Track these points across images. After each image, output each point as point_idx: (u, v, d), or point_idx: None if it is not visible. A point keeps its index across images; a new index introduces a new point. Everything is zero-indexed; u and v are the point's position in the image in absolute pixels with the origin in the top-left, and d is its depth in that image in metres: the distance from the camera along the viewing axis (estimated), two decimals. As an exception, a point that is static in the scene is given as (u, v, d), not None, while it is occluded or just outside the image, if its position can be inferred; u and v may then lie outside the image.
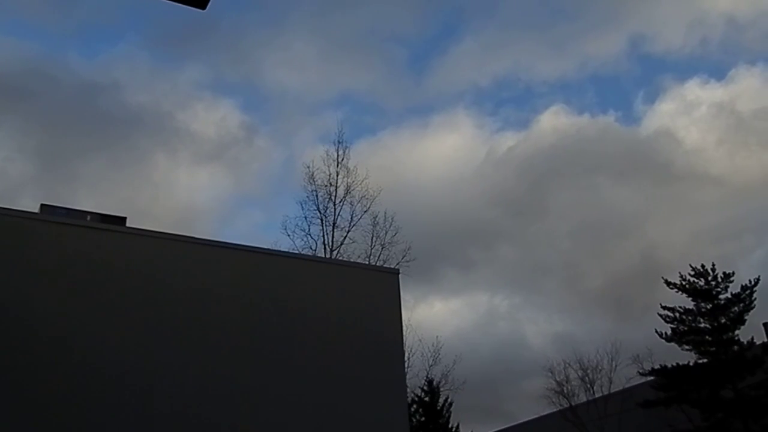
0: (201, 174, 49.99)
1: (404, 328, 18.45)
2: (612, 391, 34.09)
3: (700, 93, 58.03)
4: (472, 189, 50.24)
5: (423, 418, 32.30)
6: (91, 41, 52.07)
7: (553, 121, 56.13)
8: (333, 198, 30.24)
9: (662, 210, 52.92)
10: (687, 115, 57.17)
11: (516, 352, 47.21)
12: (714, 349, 27.71)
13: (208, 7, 4.85)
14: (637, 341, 35.20)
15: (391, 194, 29.60)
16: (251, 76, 50.92)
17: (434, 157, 50.51)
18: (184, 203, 43.98)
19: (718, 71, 66.99)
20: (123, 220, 17.74)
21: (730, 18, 56.04)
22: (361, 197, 30.26)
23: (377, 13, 49.91)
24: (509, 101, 65.01)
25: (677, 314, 28.85)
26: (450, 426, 32.66)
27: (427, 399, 32.75)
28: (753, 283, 28.12)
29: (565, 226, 50.29)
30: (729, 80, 60.14)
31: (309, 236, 29.39)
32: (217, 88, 54.74)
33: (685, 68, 62.43)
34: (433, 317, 44.42)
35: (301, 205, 30.20)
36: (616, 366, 34.25)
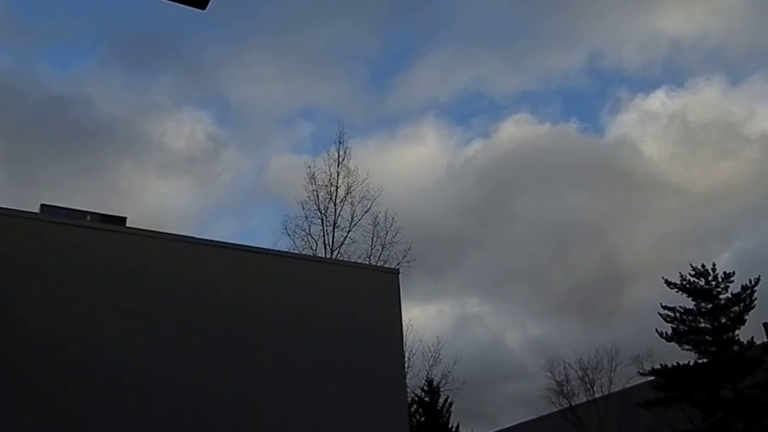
0: (171, 185, 50.60)
1: (404, 328, 18.48)
2: (612, 391, 34.17)
3: (655, 106, 60.21)
4: (440, 197, 51.18)
5: (423, 418, 32.35)
6: (59, 58, 52.73)
7: (515, 131, 57.82)
8: (333, 198, 30.31)
9: (626, 217, 54.18)
10: (642, 128, 59.25)
11: (491, 356, 47.93)
12: (714, 349, 27.77)
13: (207, 7, 4.85)
14: (609, 342, 36.13)
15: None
16: (217, 92, 51.97)
17: (401, 168, 51.42)
18: (155, 213, 44.43)
19: (671, 86, 70.42)
20: (123, 220, 17.69)
21: (675, 40, 58.37)
22: (362, 197, 30.34)
23: (336, 33, 51.09)
24: (473, 114, 67.50)
25: (677, 314, 28.91)
26: (450, 426, 32.71)
27: (427, 399, 32.80)
28: (753, 283, 28.20)
29: (530, 233, 51.47)
30: (681, 94, 62.46)
31: (309, 236, 29.46)
32: (185, 103, 55.57)
33: (640, 82, 65.12)
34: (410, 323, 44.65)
35: (302, 204, 30.23)
36: (616, 366, 34.38)
